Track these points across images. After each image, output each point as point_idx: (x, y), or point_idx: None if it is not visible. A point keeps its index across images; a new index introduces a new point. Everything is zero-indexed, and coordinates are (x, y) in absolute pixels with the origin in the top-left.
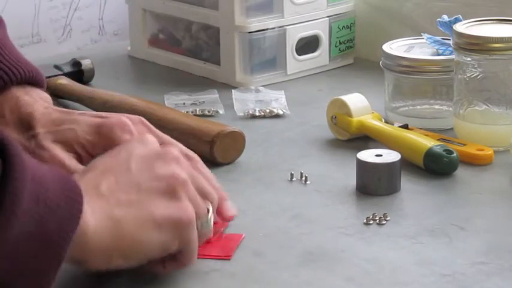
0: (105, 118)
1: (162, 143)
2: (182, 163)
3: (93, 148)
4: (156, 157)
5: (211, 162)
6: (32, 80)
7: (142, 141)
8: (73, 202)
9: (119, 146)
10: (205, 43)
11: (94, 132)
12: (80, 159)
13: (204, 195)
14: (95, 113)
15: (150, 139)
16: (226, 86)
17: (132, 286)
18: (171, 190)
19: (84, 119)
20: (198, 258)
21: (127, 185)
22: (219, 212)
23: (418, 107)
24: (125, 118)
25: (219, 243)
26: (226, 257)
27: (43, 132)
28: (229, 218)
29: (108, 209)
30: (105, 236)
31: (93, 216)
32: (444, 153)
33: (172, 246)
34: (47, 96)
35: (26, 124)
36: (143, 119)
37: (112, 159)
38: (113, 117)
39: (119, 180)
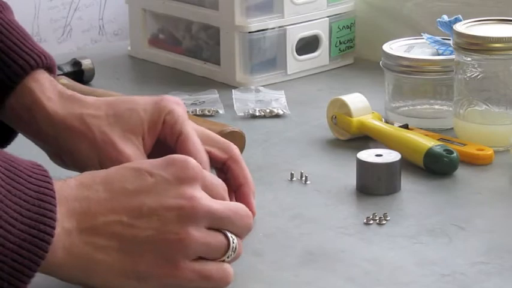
0: (158, 96)
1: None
2: (197, 209)
3: (155, 126)
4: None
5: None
6: (47, 65)
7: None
8: (41, 235)
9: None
10: (205, 43)
11: (153, 107)
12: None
13: (223, 227)
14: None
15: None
16: (226, 86)
17: None
18: (169, 253)
19: (136, 98)
20: None
21: (125, 227)
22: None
23: (418, 107)
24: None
25: None
26: None
27: (105, 116)
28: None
29: (87, 251)
30: (74, 273)
31: (65, 251)
32: (444, 153)
33: None
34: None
35: (72, 99)
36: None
37: (118, 181)
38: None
39: (119, 216)
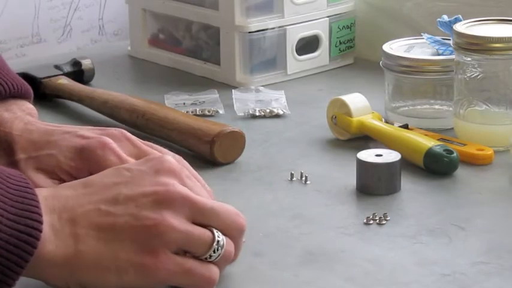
0: (87, 139)
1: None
2: (175, 200)
3: (78, 173)
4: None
5: (211, 162)
6: (16, 93)
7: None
8: (30, 230)
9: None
10: (205, 43)
11: (76, 157)
12: None
13: (206, 222)
14: (78, 131)
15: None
16: (226, 86)
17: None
18: (147, 240)
19: (65, 142)
20: None
21: (103, 216)
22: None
23: (418, 107)
24: (105, 138)
25: None
26: None
27: (24, 158)
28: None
29: (70, 242)
30: (59, 270)
31: (51, 245)
32: (444, 153)
33: (146, 285)
34: (30, 107)
35: (7, 147)
36: (126, 132)
37: (98, 179)
38: (95, 137)
39: (97, 205)
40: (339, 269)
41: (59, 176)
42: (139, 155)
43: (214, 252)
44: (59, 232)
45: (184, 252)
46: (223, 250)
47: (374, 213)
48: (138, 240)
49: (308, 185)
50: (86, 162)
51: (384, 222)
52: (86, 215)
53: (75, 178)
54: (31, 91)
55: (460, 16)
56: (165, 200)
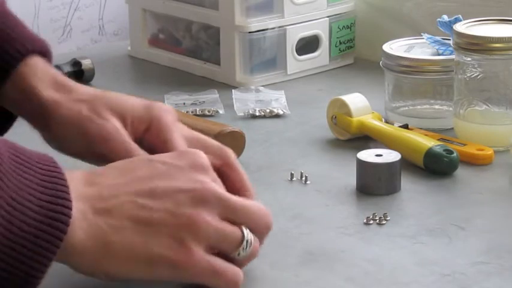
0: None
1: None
2: (208, 195)
3: (139, 125)
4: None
5: None
6: (44, 49)
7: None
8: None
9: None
10: (205, 43)
11: (143, 108)
12: None
13: (237, 220)
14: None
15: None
16: (226, 86)
17: (130, 285)
18: (182, 236)
19: (130, 96)
20: None
21: (139, 209)
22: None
23: (418, 107)
24: (169, 107)
25: None
26: None
27: (92, 96)
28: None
29: (103, 232)
30: (89, 258)
31: (81, 232)
32: (444, 153)
33: (172, 278)
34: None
35: (64, 85)
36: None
37: (134, 168)
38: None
39: (133, 197)
40: (339, 269)
41: (127, 123)
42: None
43: (243, 250)
44: (91, 221)
45: (212, 249)
46: (251, 248)
47: (374, 213)
48: (173, 236)
49: (308, 185)
50: (149, 117)
51: (384, 222)
52: (122, 207)
53: (135, 133)
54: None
55: (460, 16)
56: (202, 198)
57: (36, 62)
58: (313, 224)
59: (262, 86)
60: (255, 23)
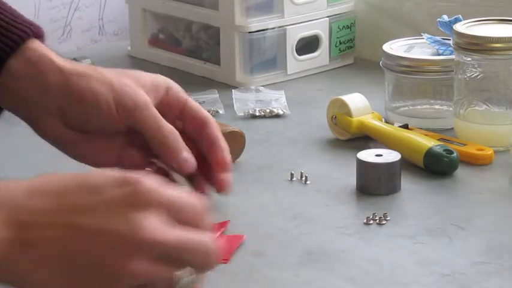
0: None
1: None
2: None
3: (157, 90)
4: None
5: None
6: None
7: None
8: None
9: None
10: (205, 43)
11: (157, 77)
12: None
13: (174, 260)
14: None
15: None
16: (226, 86)
17: None
18: (107, 281)
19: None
20: None
21: (61, 245)
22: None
23: (418, 107)
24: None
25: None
26: (224, 261)
27: (114, 71)
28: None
29: (22, 264)
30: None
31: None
32: (444, 153)
33: None
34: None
35: (77, 63)
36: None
37: (69, 193)
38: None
39: (58, 228)
40: (339, 269)
41: (148, 92)
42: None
43: None
44: (11, 250)
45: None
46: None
47: (374, 213)
48: (96, 279)
49: (308, 185)
50: (163, 86)
51: (384, 222)
52: (46, 241)
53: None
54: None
55: (460, 16)
56: (133, 246)
57: (40, 44)
58: (313, 224)
59: (262, 86)
60: (255, 23)
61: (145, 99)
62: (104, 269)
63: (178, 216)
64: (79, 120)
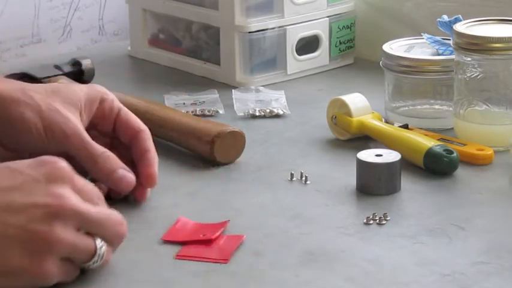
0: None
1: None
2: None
3: (91, 105)
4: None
5: (211, 162)
6: None
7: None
8: None
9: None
10: (205, 43)
11: (89, 90)
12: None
13: (92, 231)
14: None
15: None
16: (226, 86)
17: (129, 285)
18: (35, 249)
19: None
20: (196, 260)
21: None
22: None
23: (418, 107)
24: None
25: (218, 245)
26: (224, 261)
27: (44, 91)
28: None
29: None
30: None
31: None
32: (444, 153)
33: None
34: None
35: (15, 81)
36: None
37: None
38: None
39: None
40: (339, 269)
41: (81, 111)
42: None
43: (94, 263)
44: None
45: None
46: (102, 260)
47: (374, 213)
48: (26, 250)
49: (308, 185)
50: (97, 98)
51: (384, 222)
52: None
53: (87, 116)
54: None
55: (460, 16)
56: (56, 213)
57: None
58: (313, 224)
59: (262, 86)
60: (255, 23)
61: (73, 126)
62: (32, 241)
63: (86, 196)
64: (11, 143)
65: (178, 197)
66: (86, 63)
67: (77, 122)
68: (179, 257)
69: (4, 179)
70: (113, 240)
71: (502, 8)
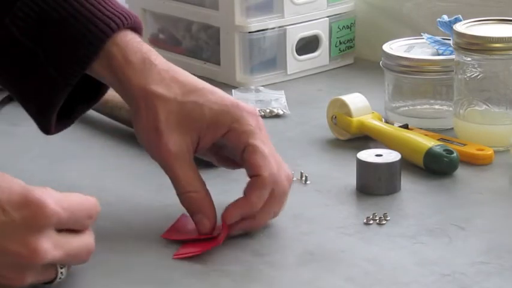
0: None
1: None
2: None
3: (215, 130)
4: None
5: (211, 162)
6: (134, 25)
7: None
8: None
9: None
10: (205, 43)
11: (221, 112)
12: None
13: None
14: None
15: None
16: (226, 86)
17: (129, 285)
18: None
19: (214, 92)
20: (192, 255)
21: None
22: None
23: (418, 107)
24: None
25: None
26: (216, 243)
27: (171, 99)
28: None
29: None
30: None
31: None
32: (444, 153)
33: None
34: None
35: (152, 72)
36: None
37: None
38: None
39: None
40: (339, 269)
41: (193, 133)
42: None
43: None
44: None
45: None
46: (63, 276)
47: (374, 213)
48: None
49: (308, 185)
50: (226, 124)
51: (384, 222)
52: None
53: (209, 138)
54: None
55: (460, 16)
56: (26, 265)
57: (124, 40)
58: (313, 224)
59: (262, 86)
60: (255, 23)
61: (166, 152)
62: (3, 279)
63: (71, 222)
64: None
65: None
66: None
67: (172, 152)
68: (176, 256)
69: None
70: (77, 264)
71: (502, 8)
